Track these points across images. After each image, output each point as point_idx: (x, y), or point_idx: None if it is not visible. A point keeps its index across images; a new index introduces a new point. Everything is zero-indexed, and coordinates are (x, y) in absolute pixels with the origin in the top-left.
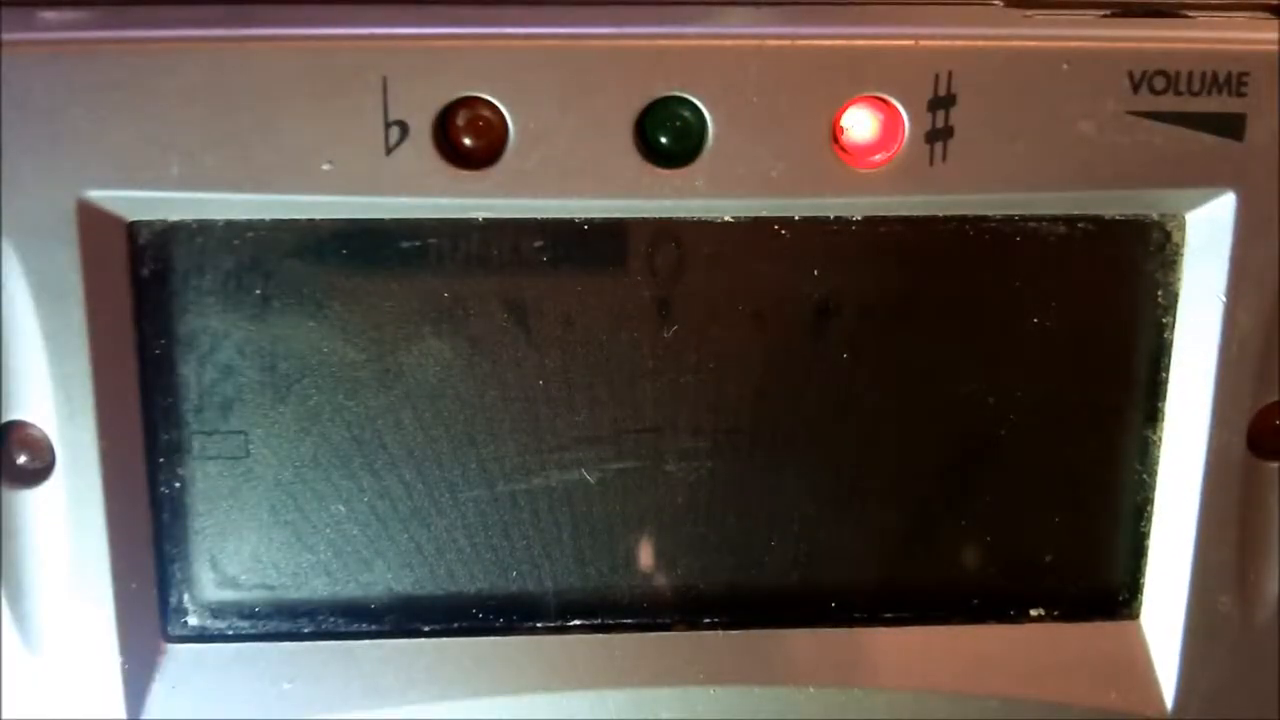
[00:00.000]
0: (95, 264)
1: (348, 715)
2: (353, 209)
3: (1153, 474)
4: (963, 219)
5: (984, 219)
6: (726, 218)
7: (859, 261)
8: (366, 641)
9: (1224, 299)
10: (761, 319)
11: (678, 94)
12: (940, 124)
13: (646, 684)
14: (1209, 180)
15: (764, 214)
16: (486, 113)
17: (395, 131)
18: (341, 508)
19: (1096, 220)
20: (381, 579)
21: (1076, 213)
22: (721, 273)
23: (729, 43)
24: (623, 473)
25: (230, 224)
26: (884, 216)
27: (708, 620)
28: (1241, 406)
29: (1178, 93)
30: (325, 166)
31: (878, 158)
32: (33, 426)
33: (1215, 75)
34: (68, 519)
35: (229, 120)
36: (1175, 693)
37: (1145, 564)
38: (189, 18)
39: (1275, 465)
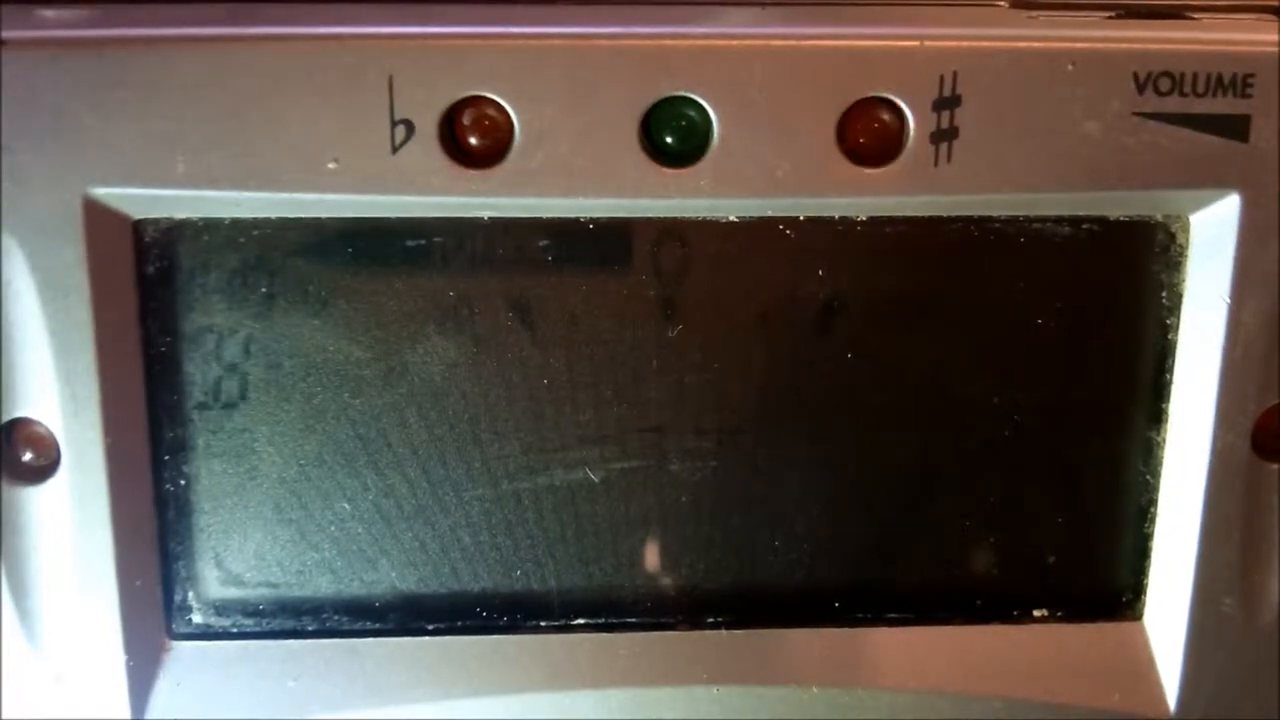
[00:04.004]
0: (101, 261)
1: (352, 714)
2: (358, 207)
3: (1156, 475)
4: (967, 219)
5: (988, 219)
6: (731, 217)
7: (864, 262)
8: (371, 640)
9: (1228, 300)
10: (766, 319)
11: (683, 94)
12: (945, 125)
13: (650, 683)
14: (1214, 181)
15: (769, 214)
16: (492, 112)
17: (401, 130)
18: (346, 506)
19: (1101, 221)
20: (386, 577)
21: (1081, 214)
22: (726, 272)
23: (734, 43)
24: (627, 472)
25: (236, 222)
26: (889, 217)
27: (711, 620)
28: (1245, 408)
29: (1182, 94)
30: (331, 165)
31: (883, 158)
32: (38, 424)
33: (1220, 77)
34: (72, 516)
35: (235, 118)
36: (1178, 694)
37: (1149, 565)
38: (195, 16)
39: (1278, 466)
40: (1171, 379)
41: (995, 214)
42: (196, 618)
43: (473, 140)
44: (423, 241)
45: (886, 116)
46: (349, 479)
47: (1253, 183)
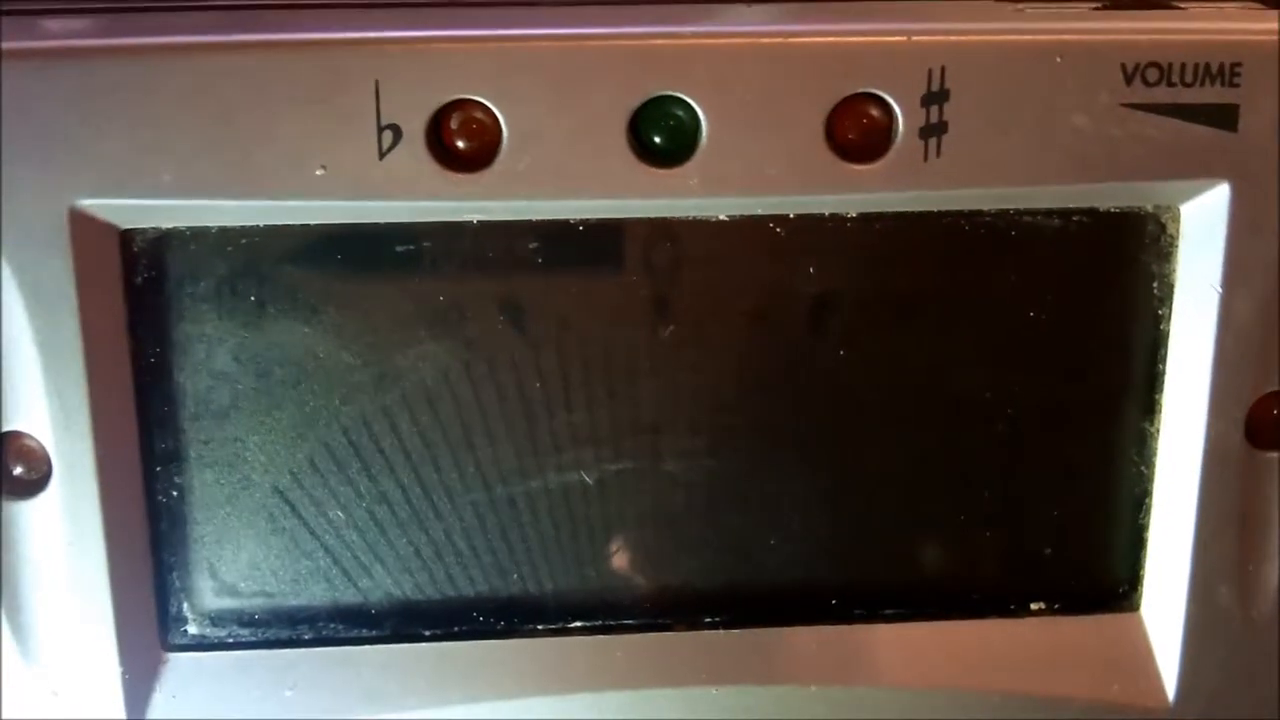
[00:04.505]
0: (89, 272)
1: None
2: (346, 213)
3: (1151, 466)
4: (958, 214)
5: (979, 213)
6: (721, 216)
7: (855, 258)
8: (367, 647)
9: (1219, 290)
10: (758, 317)
11: (671, 93)
12: (934, 119)
13: (648, 685)
14: (1203, 171)
15: (759, 212)
16: (479, 115)
17: (388, 135)
18: (339, 513)
19: (1091, 213)
20: (380, 584)
21: (1071, 206)
22: (717, 271)
23: (722, 41)
24: (621, 473)
25: (224, 230)
26: (879, 213)
27: (708, 620)
28: (1239, 397)
29: (1171, 84)
30: (319, 171)
31: (872, 154)
32: (28, 437)
33: (1208, 66)
34: (65, 529)
35: (221, 126)
36: (1176, 684)
37: (1145, 556)
38: (181, 24)
39: (1273, 455)
40: (1164, 369)
41: (985, 208)
42: (192, 629)
43: (460, 143)
44: (412, 246)
45: (875, 112)
46: (342, 486)
47: (1242, 172)
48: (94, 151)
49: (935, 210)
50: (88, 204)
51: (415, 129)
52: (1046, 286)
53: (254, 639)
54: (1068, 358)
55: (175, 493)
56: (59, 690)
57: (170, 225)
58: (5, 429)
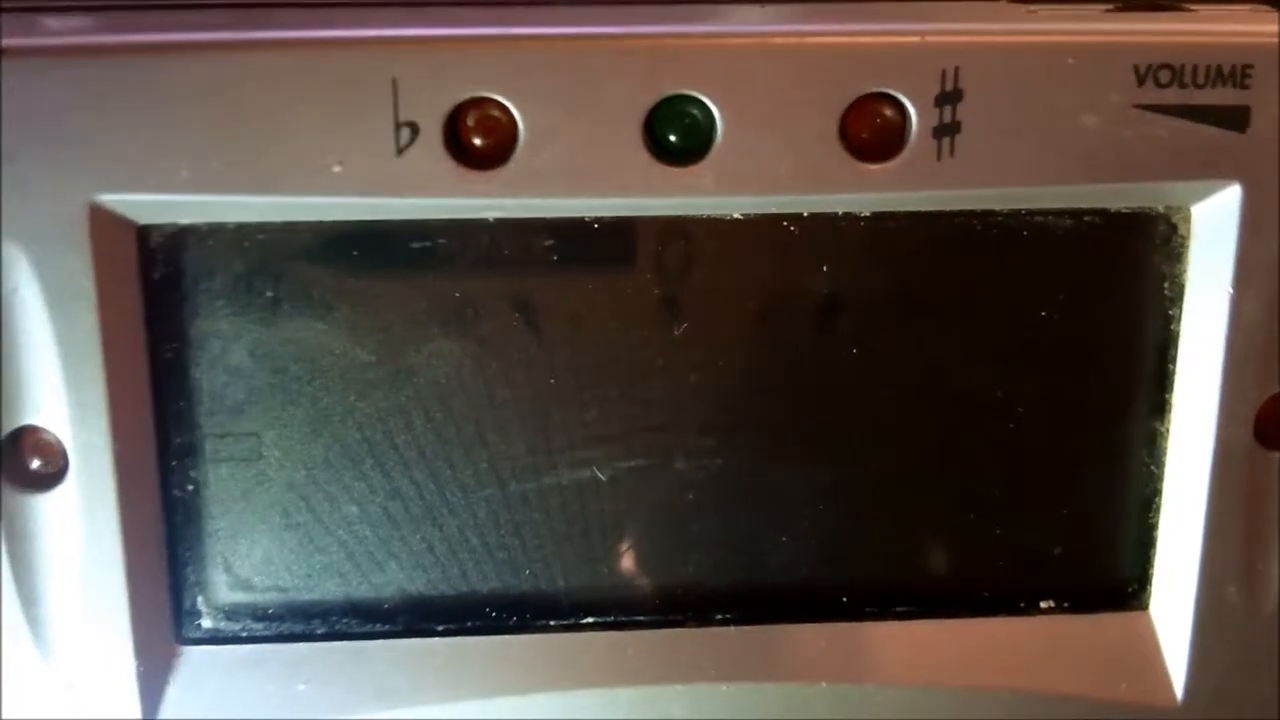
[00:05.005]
0: (107, 268)
1: (362, 715)
2: (363, 210)
3: (1160, 465)
4: (970, 214)
5: (991, 214)
6: (735, 215)
7: (867, 258)
8: (380, 642)
9: (1230, 290)
10: (770, 316)
11: (686, 92)
12: (947, 119)
13: (659, 681)
14: (1214, 172)
15: (773, 211)
16: (496, 113)
17: (405, 132)
18: (354, 508)
19: (1103, 214)
20: (394, 579)
21: (1083, 206)
22: (731, 270)
23: (737, 41)
24: (633, 470)
25: (241, 226)
26: (892, 212)
27: (720, 617)
28: (1248, 397)
29: (1182, 85)
30: (336, 168)
31: (885, 154)
32: (45, 431)
33: (1219, 68)
34: (81, 523)
35: (239, 122)
36: (1185, 682)
37: (1154, 555)
38: (199, 22)
39: None
40: (1174, 369)
41: (997, 208)
42: (206, 622)
43: (477, 141)
44: (427, 243)
45: (889, 112)
46: (356, 482)
47: (1253, 173)
48: (113, 147)
49: (948, 210)
50: (106, 199)
51: (432, 126)
52: (1058, 286)
53: (268, 633)
54: (1079, 357)
55: (190, 487)
56: (73, 683)
57: (188, 221)
58: (22, 423)
